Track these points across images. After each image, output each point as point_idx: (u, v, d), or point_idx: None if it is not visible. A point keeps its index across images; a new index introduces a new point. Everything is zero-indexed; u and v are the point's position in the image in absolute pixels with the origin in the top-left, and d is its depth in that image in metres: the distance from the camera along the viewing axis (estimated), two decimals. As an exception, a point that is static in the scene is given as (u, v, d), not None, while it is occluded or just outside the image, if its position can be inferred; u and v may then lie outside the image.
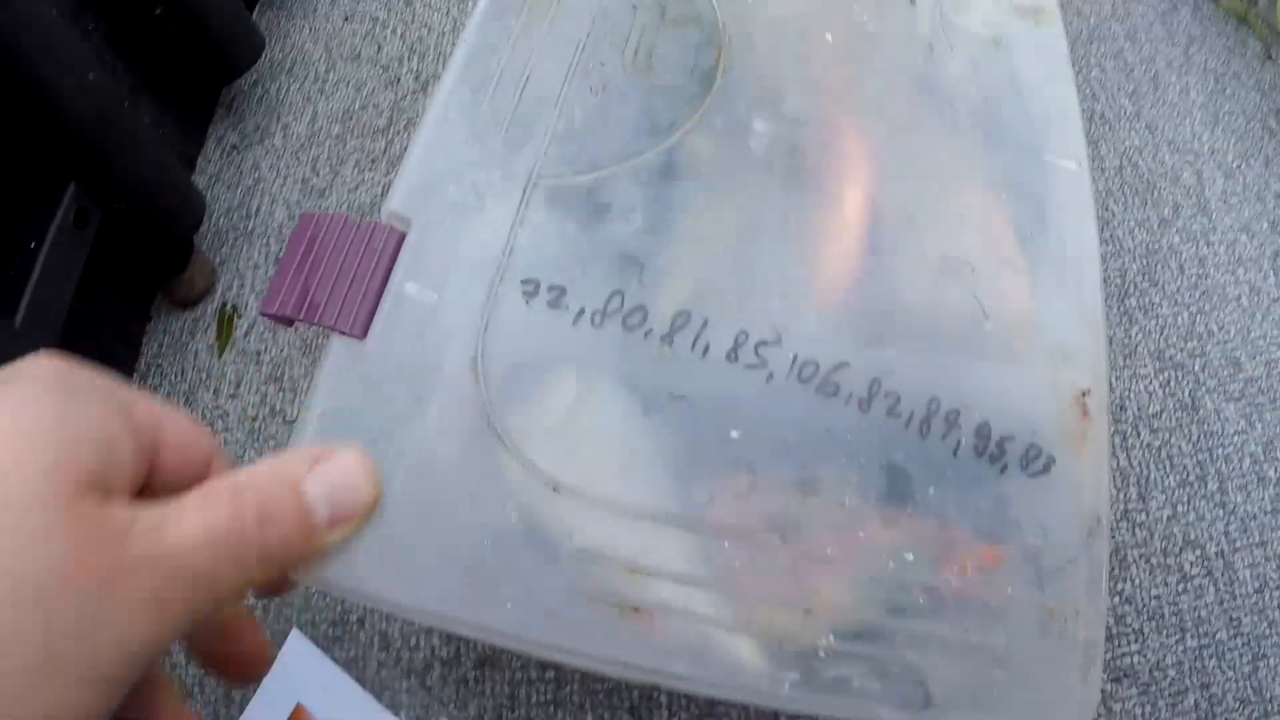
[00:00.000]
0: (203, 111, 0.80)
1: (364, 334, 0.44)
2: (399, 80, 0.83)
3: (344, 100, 0.82)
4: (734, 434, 0.45)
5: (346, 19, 0.88)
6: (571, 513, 0.43)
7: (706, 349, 0.45)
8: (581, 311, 0.44)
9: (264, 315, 0.44)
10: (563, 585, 0.43)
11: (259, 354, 0.73)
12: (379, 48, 0.86)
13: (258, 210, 0.79)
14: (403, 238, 0.45)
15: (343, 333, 0.44)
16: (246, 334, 0.73)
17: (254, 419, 0.70)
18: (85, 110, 0.56)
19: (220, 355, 0.72)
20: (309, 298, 0.44)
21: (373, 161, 0.79)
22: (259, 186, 0.79)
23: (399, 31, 0.87)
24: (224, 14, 0.69)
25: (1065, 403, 0.52)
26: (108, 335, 0.68)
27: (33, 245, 0.57)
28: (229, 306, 0.74)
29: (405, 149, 0.47)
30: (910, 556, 0.49)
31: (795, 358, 0.46)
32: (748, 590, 0.46)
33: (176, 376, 0.73)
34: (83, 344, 0.63)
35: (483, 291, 0.44)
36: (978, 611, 0.44)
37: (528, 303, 0.44)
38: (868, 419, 0.47)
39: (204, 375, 0.71)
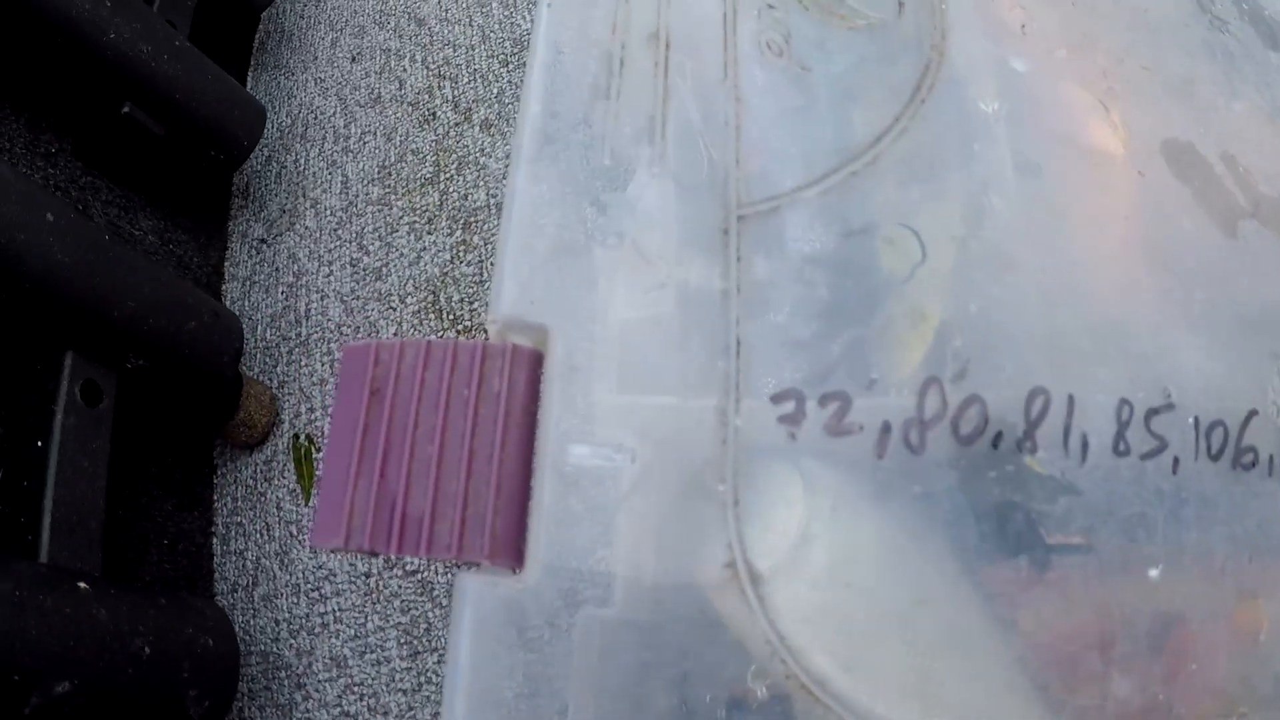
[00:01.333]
0: (216, 208, 0.51)
1: (520, 558, 0.14)
2: (435, 115, 0.53)
3: (376, 155, 0.53)
4: (1152, 573, 0.17)
5: (354, 59, 0.58)
6: None
7: (1085, 446, 0.17)
8: (887, 428, 0.16)
9: (318, 546, 0.15)
10: None
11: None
12: (400, 84, 0.56)
13: (308, 313, 0.50)
14: (538, 362, 0.15)
15: (478, 565, 0.14)
16: (327, 467, 0.44)
17: (366, 575, 0.42)
18: (52, 260, 0.27)
19: (308, 500, 0.44)
20: (399, 511, 0.15)
21: (429, 221, 0.50)
22: (301, 282, 0.50)
23: (419, 59, 0.56)
24: (207, 90, 0.39)
25: None
26: (169, 507, 0.39)
27: (39, 443, 0.27)
28: (301, 438, 0.45)
29: (499, 220, 0.18)
30: None
31: (1197, 422, 0.18)
32: None
33: (262, 535, 0.45)
34: (143, 526, 0.34)
35: (712, 430, 0.15)
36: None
37: (794, 435, 0.16)
38: None
39: (293, 529, 0.44)
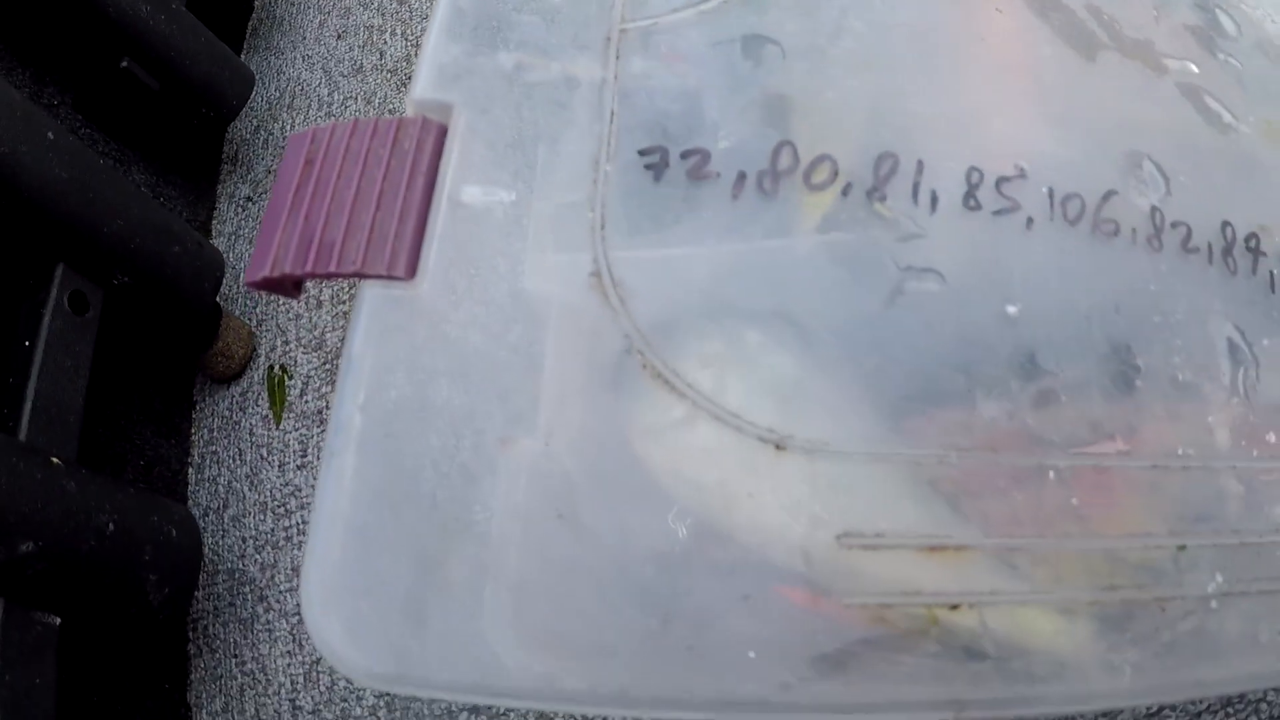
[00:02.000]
0: (206, 169, 0.56)
1: (411, 272, 0.17)
2: (411, 79, 0.58)
3: (355, 116, 0.57)
4: (1010, 309, 0.18)
5: (339, 36, 0.66)
6: (814, 478, 0.15)
7: (935, 199, 0.19)
8: (742, 177, 0.19)
9: (251, 286, 0.18)
10: (830, 599, 0.14)
11: (320, 411, 0.48)
12: (381, 54, 0.64)
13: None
14: (443, 131, 0.19)
15: (379, 276, 0.17)
16: (302, 393, 0.49)
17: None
18: (50, 175, 0.32)
19: (278, 424, 0.47)
20: (317, 240, 0.18)
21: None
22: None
23: (399, 33, 0.64)
24: (199, 51, 0.46)
25: None
26: (148, 433, 0.42)
27: (27, 343, 0.31)
28: (276, 368, 0.49)
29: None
30: (1272, 436, 0.22)
31: (1051, 192, 0.19)
32: (1096, 534, 0.17)
33: (235, 459, 0.48)
34: (121, 447, 0.37)
35: (585, 175, 0.18)
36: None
37: (657, 179, 0.18)
38: (1165, 261, 0.19)
39: (264, 451, 0.47)
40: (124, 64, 0.42)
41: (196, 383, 0.52)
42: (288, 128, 0.63)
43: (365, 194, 0.22)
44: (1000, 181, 0.23)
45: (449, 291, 0.21)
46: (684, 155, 0.22)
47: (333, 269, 0.21)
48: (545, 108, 0.23)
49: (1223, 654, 0.21)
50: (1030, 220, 0.23)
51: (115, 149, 0.45)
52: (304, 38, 0.67)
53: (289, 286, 0.22)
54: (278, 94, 0.65)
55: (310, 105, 0.63)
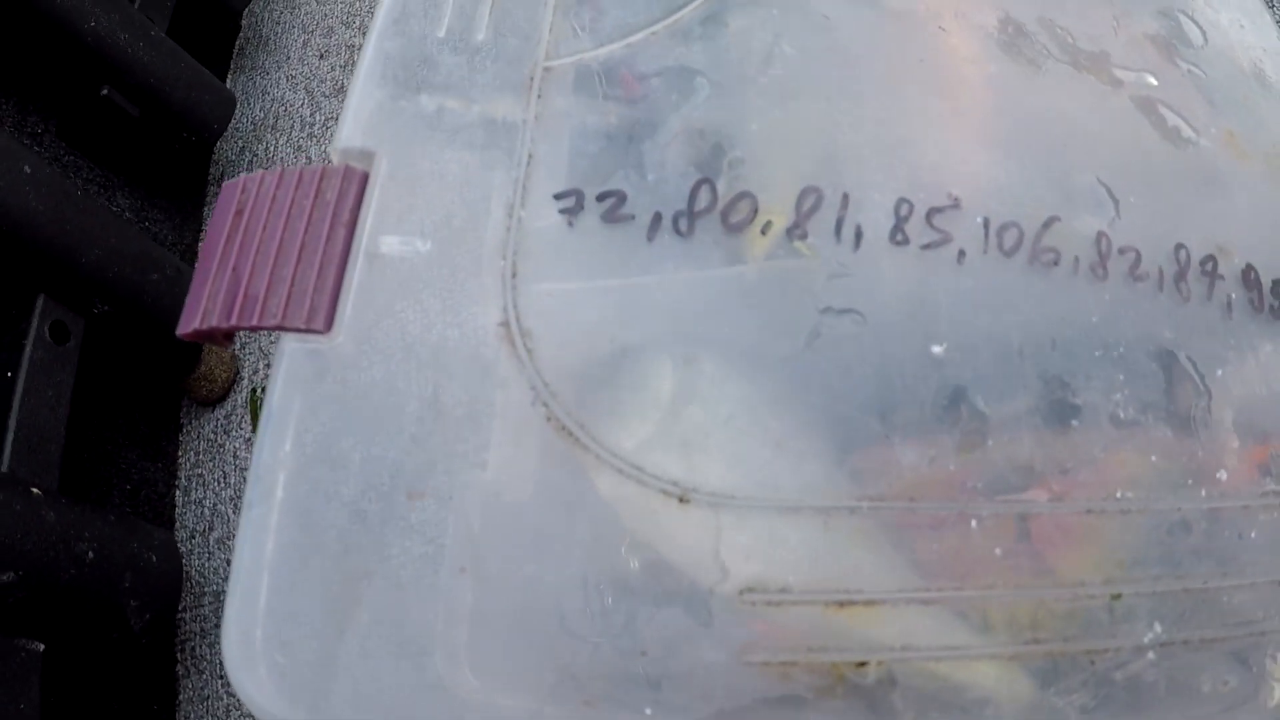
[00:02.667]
0: (193, 191, 0.56)
1: (328, 325, 0.17)
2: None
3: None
4: (935, 350, 0.17)
5: (322, 55, 0.66)
6: (717, 532, 0.15)
7: (859, 234, 0.18)
8: (657, 218, 0.18)
9: (183, 338, 0.18)
10: (726, 654, 0.14)
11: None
12: None
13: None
14: (365, 179, 0.19)
15: (298, 330, 0.17)
16: (283, 414, 0.48)
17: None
18: (29, 208, 0.33)
19: None
20: (242, 292, 0.18)
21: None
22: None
23: None
24: (179, 76, 0.46)
25: None
26: (134, 456, 0.43)
27: (8, 374, 0.32)
28: (259, 391, 0.49)
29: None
30: (1223, 475, 0.21)
31: (987, 222, 0.18)
32: (1019, 587, 0.16)
33: (219, 482, 0.49)
34: (107, 471, 0.38)
35: (499, 222, 0.18)
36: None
37: (571, 223, 0.18)
38: (1110, 291, 0.18)
39: (247, 474, 0.46)
40: (104, 92, 0.43)
41: (182, 406, 0.52)
42: (272, 149, 0.63)
43: (288, 246, 0.22)
44: (932, 213, 0.22)
45: (364, 344, 0.21)
46: (600, 198, 0.22)
47: (255, 322, 0.22)
48: (465, 152, 0.23)
49: (1159, 708, 0.20)
50: (962, 253, 0.22)
51: (100, 175, 0.46)
52: (288, 58, 0.66)
53: (219, 337, 0.22)
54: (262, 114, 0.65)
55: (293, 126, 0.63)
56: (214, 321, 0.21)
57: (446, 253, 0.21)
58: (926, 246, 0.21)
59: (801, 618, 0.18)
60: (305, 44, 0.67)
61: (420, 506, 0.19)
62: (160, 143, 0.47)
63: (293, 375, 0.20)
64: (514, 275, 0.21)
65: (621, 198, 0.21)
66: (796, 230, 0.21)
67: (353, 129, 0.23)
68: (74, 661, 0.30)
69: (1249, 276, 0.23)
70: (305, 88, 0.64)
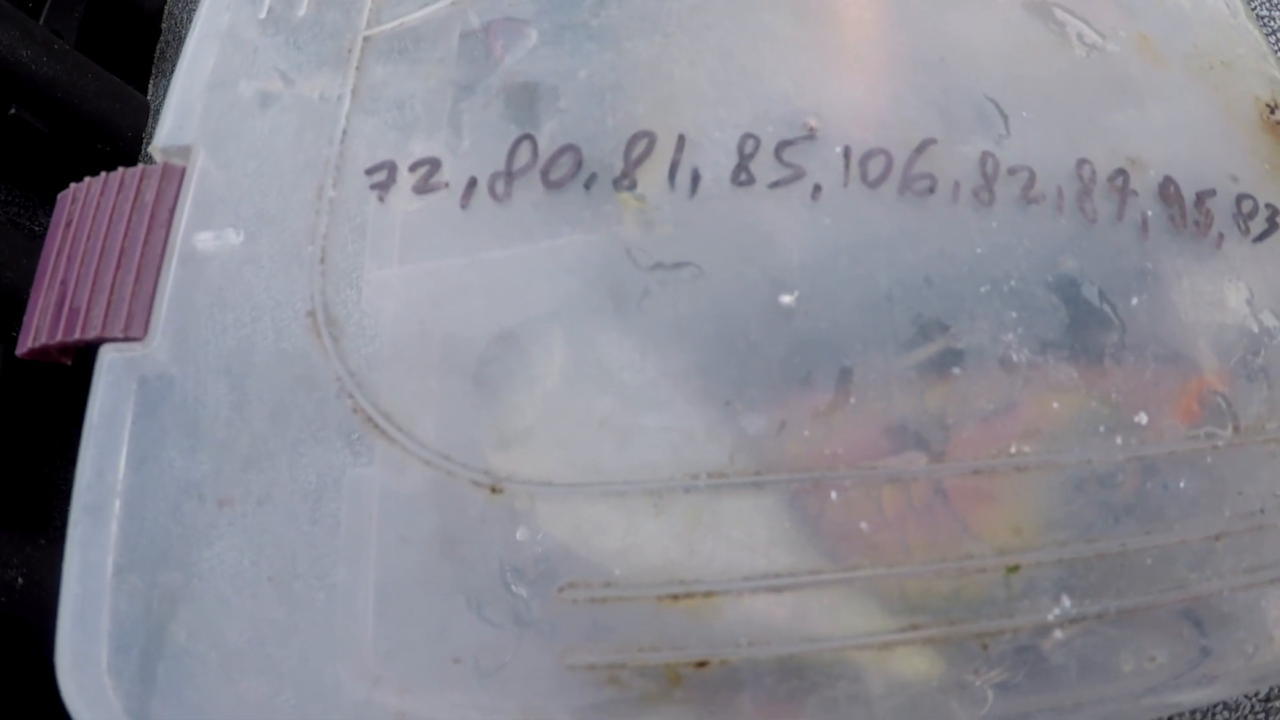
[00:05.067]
0: None
1: (144, 331, 0.15)
2: None
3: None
4: (785, 300, 0.13)
5: None
6: (534, 523, 0.11)
7: (695, 179, 0.14)
8: (473, 183, 0.15)
9: (21, 357, 0.16)
10: (547, 658, 0.10)
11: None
12: None
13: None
14: (183, 175, 0.16)
15: (116, 339, 0.15)
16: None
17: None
18: None
19: None
20: (67, 305, 0.16)
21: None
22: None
23: None
24: (87, 88, 0.43)
25: (1253, 127, 0.21)
26: (72, 477, 0.40)
27: None
28: None
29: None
30: (1143, 418, 0.17)
31: (847, 152, 0.14)
32: (892, 564, 0.11)
33: None
34: (46, 495, 0.36)
35: (309, 204, 0.15)
36: (1252, 466, 0.17)
37: (382, 198, 0.15)
38: (998, 216, 0.13)
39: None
40: (12, 111, 0.41)
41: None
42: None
43: (108, 253, 0.20)
44: (781, 147, 0.18)
45: (179, 348, 0.18)
46: (413, 168, 0.19)
47: (78, 336, 0.20)
48: (280, 136, 0.20)
49: (1069, 690, 0.16)
50: (817, 188, 0.18)
51: (19, 196, 0.44)
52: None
53: (56, 354, 0.21)
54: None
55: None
56: (44, 339, 0.20)
57: (258, 244, 0.19)
58: (775, 185, 0.18)
59: (630, 614, 0.15)
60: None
61: (230, 513, 0.17)
62: (75, 157, 0.45)
63: (110, 386, 0.18)
64: (322, 261, 0.18)
65: (435, 165, 0.18)
66: (624, 180, 0.18)
67: (172, 124, 0.20)
68: (3, 689, 0.30)
69: (1168, 190, 0.19)
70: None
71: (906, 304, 0.16)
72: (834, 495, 0.15)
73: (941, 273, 0.17)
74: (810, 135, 0.18)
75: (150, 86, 0.55)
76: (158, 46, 0.58)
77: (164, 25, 0.59)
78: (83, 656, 0.16)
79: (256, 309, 0.17)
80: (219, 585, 0.16)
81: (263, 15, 0.21)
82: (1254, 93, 0.20)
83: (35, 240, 0.38)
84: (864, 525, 0.15)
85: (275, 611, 0.16)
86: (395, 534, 0.16)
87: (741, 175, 0.17)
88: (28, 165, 0.43)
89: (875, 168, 0.18)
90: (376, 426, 0.16)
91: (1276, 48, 0.38)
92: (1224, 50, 0.21)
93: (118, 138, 0.46)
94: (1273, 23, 0.37)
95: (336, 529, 0.16)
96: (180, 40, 0.65)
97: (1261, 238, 0.19)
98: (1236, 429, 0.18)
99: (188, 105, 0.20)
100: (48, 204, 0.46)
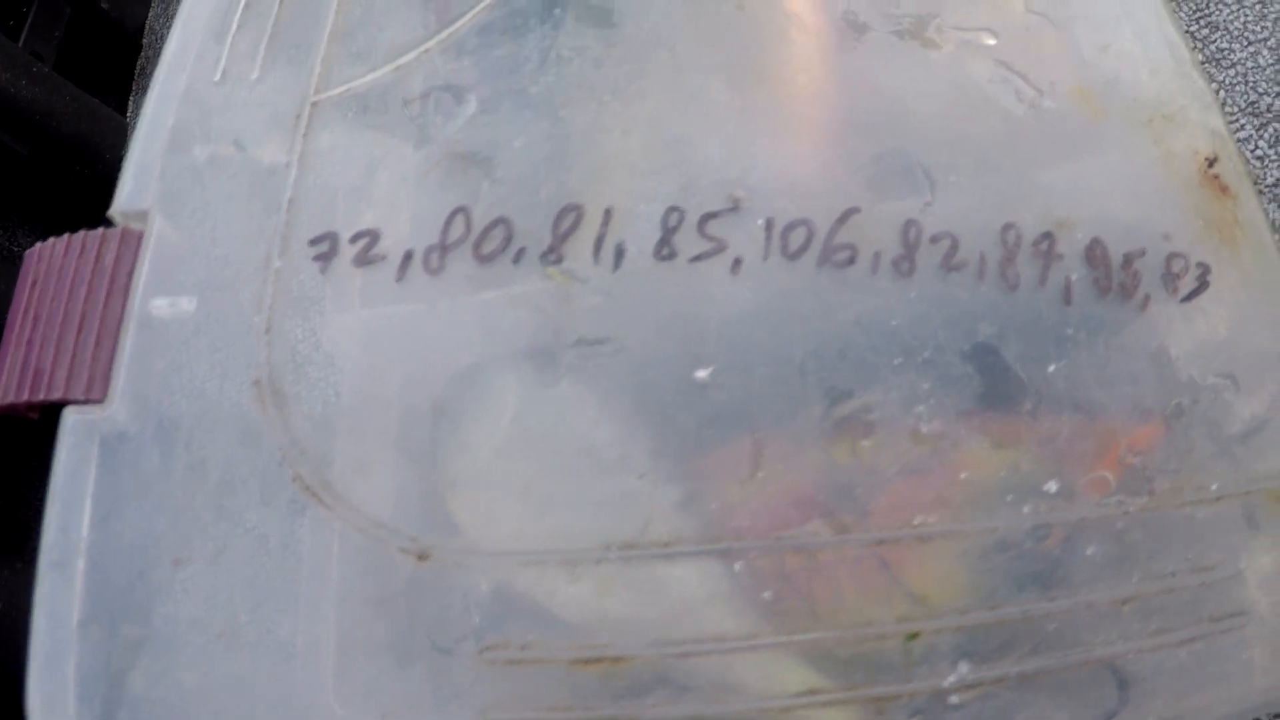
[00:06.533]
0: (95, 226, 0.53)
1: (103, 394, 0.16)
2: None
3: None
4: (700, 374, 0.14)
5: None
6: (458, 587, 0.13)
7: (619, 253, 0.15)
8: (409, 256, 0.16)
9: None
10: (468, 716, 0.12)
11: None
12: None
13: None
14: (140, 240, 0.17)
15: (76, 401, 0.16)
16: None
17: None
18: None
19: None
20: (33, 365, 0.17)
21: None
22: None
23: None
24: (66, 110, 0.43)
25: (1190, 182, 0.21)
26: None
27: None
28: None
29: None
30: (1053, 486, 0.18)
31: (769, 224, 0.15)
32: (795, 631, 0.13)
33: None
34: (24, 518, 0.37)
35: (256, 274, 0.16)
36: (1166, 530, 0.17)
37: (324, 270, 0.16)
38: (917, 286, 0.14)
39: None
40: None
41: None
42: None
43: (70, 315, 0.21)
44: (705, 220, 0.19)
45: (137, 411, 0.20)
46: (353, 239, 0.20)
47: (43, 396, 0.21)
48: (232, 204, 0.21)
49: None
50: (737, 262, 0.19)
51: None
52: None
53: (24, 410, 0.22)
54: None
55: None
56: (11, 398, 0.21)
57: (210, 312, 0.20)
58: (696, 258, 0.18)
59: (545, 676, 0.16)
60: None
61: (185, 571, 0.18)
62: (54, 178, 0.46)
63: (72, 448, 0.20)
64: (268, 330, 0.19)
65: (375, 237, 0.19)
66: (551, 255, 0.19)
67: (130, 188, 0.21)
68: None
69: (1094, 252, 0.19)
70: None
71: (819, 377, 0.17)
72: (738, 566, 0.16)
73: (856, 345, 0.17)
74: (735, 207, 0.18)
75: (130, 103, 0.56)
76: (139, 62, 0.58)
77: (145, 41, 0.59)
78: (51, 702, 0.18)
79: (208, 376, 0.19)
80: (174, 638, 0.18)
81: (217, 77, 0.22)
82: (1194, 146, 0.20)
83: (13, 263, 0.39)
84: (767, 595, 0.16)
85: (225, 665, 0.17)
86: (332, 596, 0.17)
87: (664, 249, 0.18)
88: (6, 187, 0.44)
89: (796, 239, 0.18)
90: (314, 494, 0.17)
91: (1236, 83, 0.38)
92: (1165, 102, 0.21)
93: (96, 159, 0.46)
94: (1231, 55, 0.37)
95: (280, 589, 0.17)
96: (160, 55, 0.65)
97: (1190, 297, 0.19)
98: (1152, 494, 0.18)
99: (145, 168, 0.21)
100: (27, 224, 0.47)
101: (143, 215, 0.21)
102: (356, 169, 0.20)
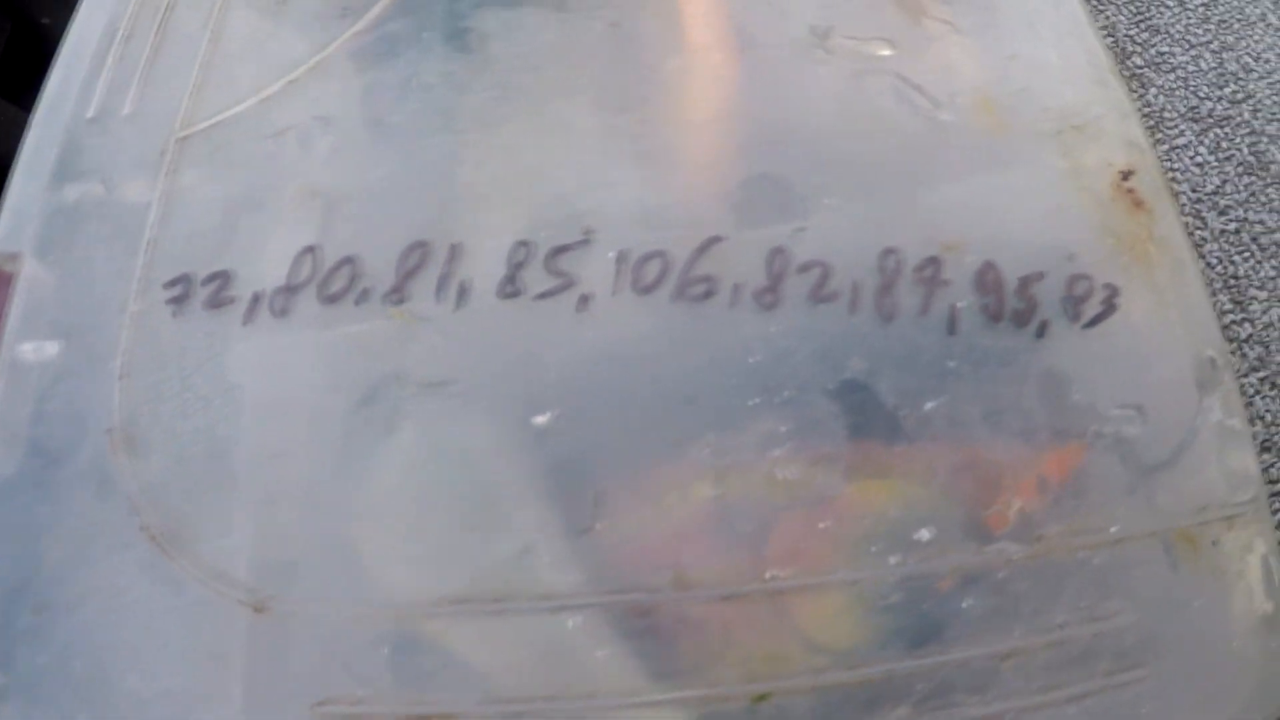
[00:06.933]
0: None
1: None
2: None
3: None
4: (538, 420, 0.13)
5: None
6: (292, 642, 0.12)
7: (463, 291, 0.14)
8: (257, 299, 0.15)
9: None
10: None
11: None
12: None
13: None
14: (11, 281, 0.17)
15: None
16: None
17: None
18: None
19: None
20: None
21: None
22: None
23: None
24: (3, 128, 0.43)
25: (1102, 196, 0.19)
26: None
27: None
28: None
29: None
30: (925, 534, 0.16)
31: (622, 256, 0.14)
32: (631, 693, 0.12)
33: None
34: None
35: (115, 318, 0.16)
36: (1055, 578, 0.16)
37: (175, 314, 0.16)
38: (780, 320, 0.13)
39: None
40: None
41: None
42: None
43: (-48, 360, 0.22)
44: (554, 254, 0.18)
45: (8, 456, 0.20)
46: (205, 281, 0.19)
47: None
48: (98, 244, 0.21)
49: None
50: (584, 299, 0.18)
51: None
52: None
53: None
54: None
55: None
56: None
57: (72, 357, 0.20)
58: (541, 295, 0.17)
59: (376, 739, 0.16)
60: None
61: (46, 618, 0.19)
62: None
63: (-55, 493, 0.20)
64: (121, 377, 0.19)
65: (226, 279, 0.19)
66: (394, 295, 0.18)
67: (5, 229, 0.21)
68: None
69: (985, 277, 0.18)
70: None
71: (664, 423, 0.16)
72: (572, 623, 0.15)
73: (708, 386, 0.16)
74: (586, 239, 0.17)
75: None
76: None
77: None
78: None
79: (68, 423, 0.19)
80: (36, 686, 0.18)
81: (90, 114, 0.21)
82: (1108, 158, 0.19)
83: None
84: (603, 653, 0.15)
85: (81, 713, 0.17)
86: (176, 647, 0.17)
87: (509, 287, 0.17)
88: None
89: (650, 272, 0.17)
90: (160, 545, 0.17)
91: (1177, 88, 0.35)
92: (1078, 112, 0.19)
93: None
94: (1172, 58, 0.33)
95: (131, 641, 0.17)
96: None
97: (1094, 322, 0.18)
98: (1040, 539, 0.17)
99: (20, 209, 0.21)
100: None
101: (15, 257, 0.21)
102: (216, 207, 0.20)
